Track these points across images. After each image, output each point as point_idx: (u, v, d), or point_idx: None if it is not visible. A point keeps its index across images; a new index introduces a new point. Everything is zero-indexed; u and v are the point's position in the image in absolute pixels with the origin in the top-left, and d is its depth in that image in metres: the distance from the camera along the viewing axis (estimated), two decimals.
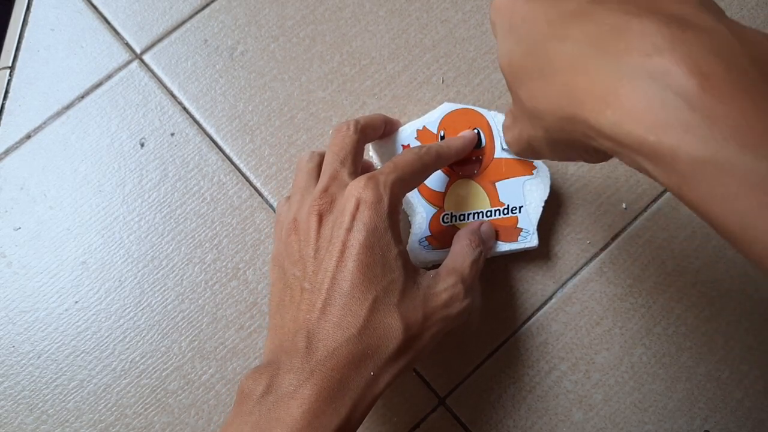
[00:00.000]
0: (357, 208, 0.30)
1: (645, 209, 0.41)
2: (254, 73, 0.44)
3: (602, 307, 0.39)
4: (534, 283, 0.40)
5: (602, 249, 0.40)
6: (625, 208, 0.41)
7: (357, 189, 0.31)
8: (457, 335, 0.39)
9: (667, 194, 0.41)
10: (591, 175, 0.41)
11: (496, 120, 0.39)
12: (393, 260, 0.30)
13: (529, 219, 0.38)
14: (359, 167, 0.34)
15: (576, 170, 0.41)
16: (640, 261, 0.40)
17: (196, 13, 0.45)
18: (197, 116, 0.43)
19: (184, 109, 0.44)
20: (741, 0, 0.45)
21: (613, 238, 0.40)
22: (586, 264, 0.40)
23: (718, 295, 0.39)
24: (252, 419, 0.27)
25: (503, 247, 0.38)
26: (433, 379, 0.38)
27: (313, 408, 0.27)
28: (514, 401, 0.38)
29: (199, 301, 0.40)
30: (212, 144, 0.43)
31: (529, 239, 0.38)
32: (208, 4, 0.46)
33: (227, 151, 0.43)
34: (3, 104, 0.44)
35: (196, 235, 0.41)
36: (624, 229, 0.40)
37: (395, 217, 0.31)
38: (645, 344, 0.38)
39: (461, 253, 0.34)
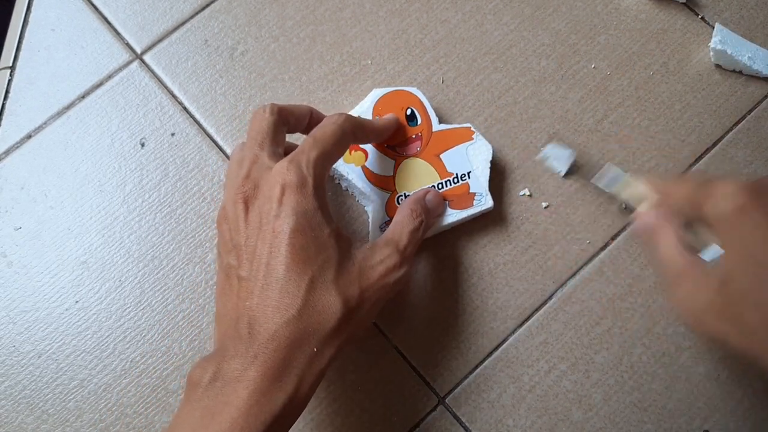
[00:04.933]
0: (283, 193, 0.30)
1: None
2: (254, 74, 0.44)
3: (602, 306, 0.39)
4: (534, 283, 0.40)
5: (602, 249, 0.40)
6: (625, 208, 0.41)
7: (280, 174, 0.31)
8: (457, 335, 0.39)
9: None
10: None
11: (427, 97, 0.40)
12: (326, 239, 0.30)
13: (479, 182, 0.39)
14: (280, 149, 0.34)
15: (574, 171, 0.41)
16: (640, 261, 0.40)
17: (197, 13, 0.45)
18: (197, 116, 0.43)
19: (185, 109, 0.44)
20: (741, 0, 0.45)
21: (613, 238, 0.40)
22: (585, 264, 0.40)
23: None
24: (202, 404, 0.28)
25: (461, 214, 0.39)
26: (433, 379, 0.38)
27: (259, 388, 0.27)
28: (514, 401, 0.38)
29: (200, 301, 0.40)
30: (212, 144, 0.43)
31: (484, 201, 0.39)
32: (208, 5, 0.46)
33: (228, 151, 0.43)
34: (4, 104, 0.44)
35: (196, 235, 0.41)
36: (623, 228, 0.41)
37: (322, 195, 0.32)
38: (644, 344, 0.38)
39: (401, 222, 0.35)
